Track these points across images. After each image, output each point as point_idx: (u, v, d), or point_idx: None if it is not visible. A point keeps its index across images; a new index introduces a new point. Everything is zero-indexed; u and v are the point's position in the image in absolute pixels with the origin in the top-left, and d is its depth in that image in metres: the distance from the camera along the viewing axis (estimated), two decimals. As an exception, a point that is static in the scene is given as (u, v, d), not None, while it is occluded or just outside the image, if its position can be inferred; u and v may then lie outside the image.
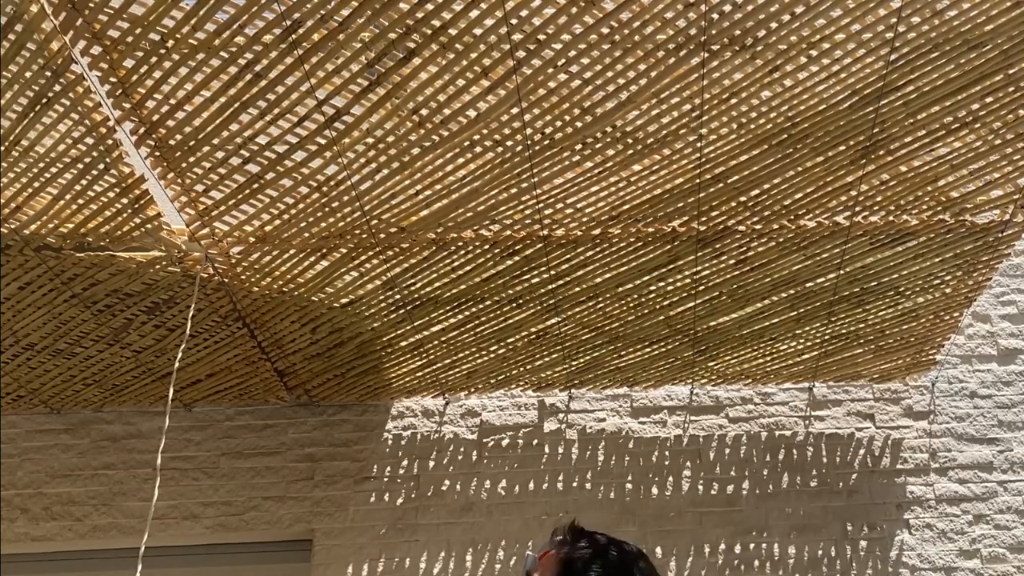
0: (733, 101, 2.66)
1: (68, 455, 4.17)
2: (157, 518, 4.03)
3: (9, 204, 2.79)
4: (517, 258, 3.22)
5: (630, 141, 2.77)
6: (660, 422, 4.27)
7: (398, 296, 3.39)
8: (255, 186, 2.77)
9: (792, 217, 3.13)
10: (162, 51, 2.31)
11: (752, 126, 2.76)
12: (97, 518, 4.05)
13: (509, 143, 2.72)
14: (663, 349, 3.87)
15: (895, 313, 3.70)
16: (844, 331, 3.81)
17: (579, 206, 3.02)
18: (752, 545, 4.05)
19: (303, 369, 3.91)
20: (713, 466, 4.19)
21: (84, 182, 2.72)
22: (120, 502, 4.08)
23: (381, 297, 3.39)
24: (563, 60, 2.47)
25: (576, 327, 3.68)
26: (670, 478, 4.17)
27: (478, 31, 2.38)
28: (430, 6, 2.29)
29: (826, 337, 3.84)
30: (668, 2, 2.36)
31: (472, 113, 2.61)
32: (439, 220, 3.00)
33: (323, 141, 2.64)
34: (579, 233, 3.12)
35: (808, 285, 3.48)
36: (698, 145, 2.79)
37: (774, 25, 2.44)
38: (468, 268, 3.27)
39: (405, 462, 4.20)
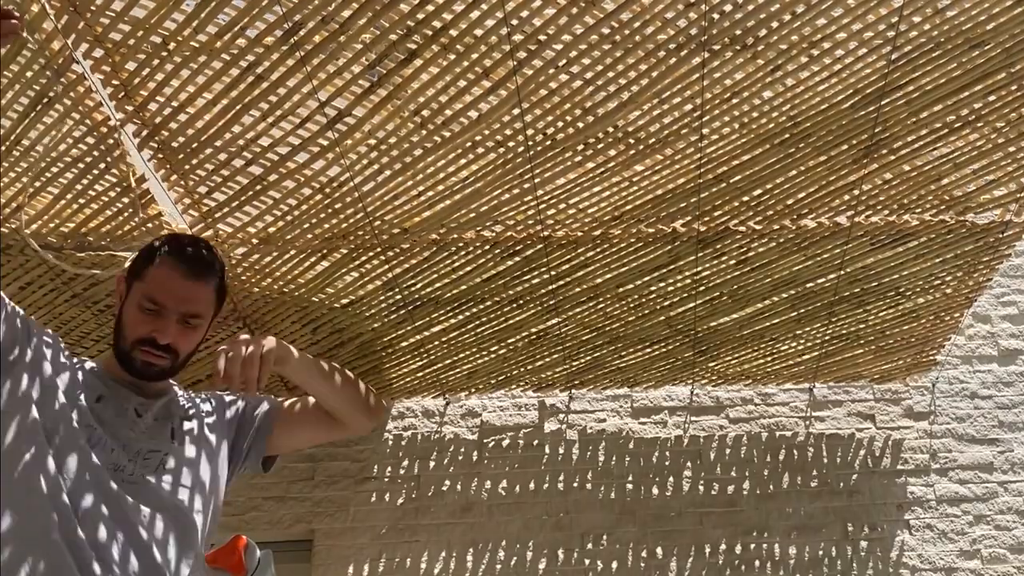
0: (734, 101, 2.67)
1: (69, 456, 4.16)
2: (158, 519, 4.03)
3: (9, 204, 2.78)
4: (518, 259, 3.22)
5: (631, 141, 2.77)
6: (660, 422, 4.27)
7: (399, 297, 3.39)
8: (258, 188, 2.77)
9: (795, 217, 3.13)
10: (164, 53, 2.31)
11: (753, 126, 2.76)
12: (98, 519, 4.05)
13: (510, 144, 2.72)
14: (663, 349, 3.87)
15: (896, 314, 3.70)
16: (845, 332, 3.81)
17: (580, 207, 3.02)
18: (752, 545, 4.05)
19: (304, 370, 3.90)
20: (713, 466, 4.19)
21: (85, 181, 2.72)
22: (121, 503, 4.08)
23: (382, 298, 3.39)
24: (564, 61, 2.47)
25: (577, 327, 3.68)
26: (670, 478, 4.17)
27: (479, 32, 2.38)
28: (430, 7, 2.29)
29: (827, 338, 3.84)
30: (668, 2, 2.36)
31: (473, 114, 2.61)
32: (441, 221, 3.00)
33: (325, 143, 2.64)
34: (580, 234, 3.13)
35: (809, 285, 3.48)
36: (699, 145, 2.79)
37: (775, 24, 2.44)
38: (469, 269, 3.27)
39: (405, 462, 4.20)
